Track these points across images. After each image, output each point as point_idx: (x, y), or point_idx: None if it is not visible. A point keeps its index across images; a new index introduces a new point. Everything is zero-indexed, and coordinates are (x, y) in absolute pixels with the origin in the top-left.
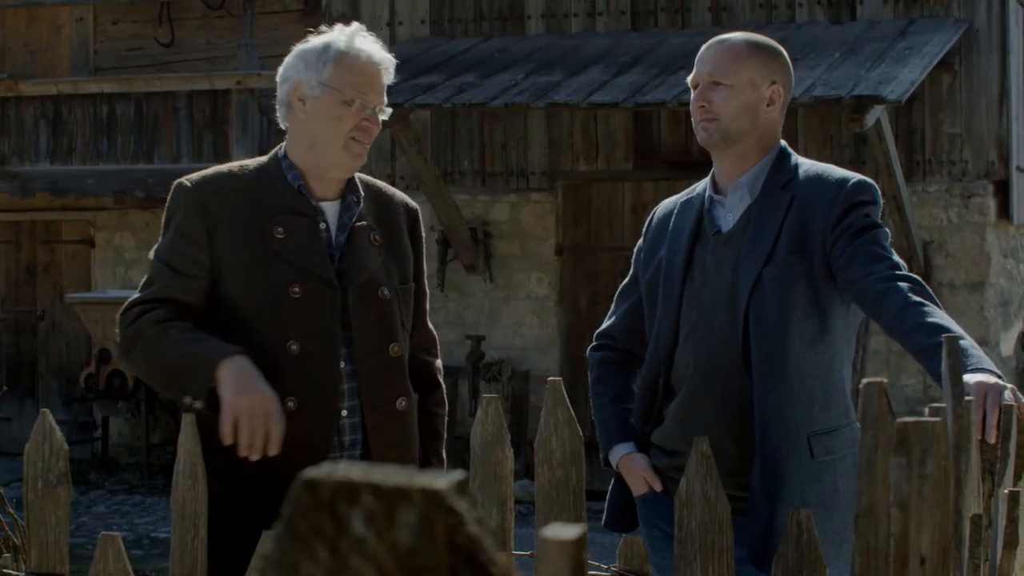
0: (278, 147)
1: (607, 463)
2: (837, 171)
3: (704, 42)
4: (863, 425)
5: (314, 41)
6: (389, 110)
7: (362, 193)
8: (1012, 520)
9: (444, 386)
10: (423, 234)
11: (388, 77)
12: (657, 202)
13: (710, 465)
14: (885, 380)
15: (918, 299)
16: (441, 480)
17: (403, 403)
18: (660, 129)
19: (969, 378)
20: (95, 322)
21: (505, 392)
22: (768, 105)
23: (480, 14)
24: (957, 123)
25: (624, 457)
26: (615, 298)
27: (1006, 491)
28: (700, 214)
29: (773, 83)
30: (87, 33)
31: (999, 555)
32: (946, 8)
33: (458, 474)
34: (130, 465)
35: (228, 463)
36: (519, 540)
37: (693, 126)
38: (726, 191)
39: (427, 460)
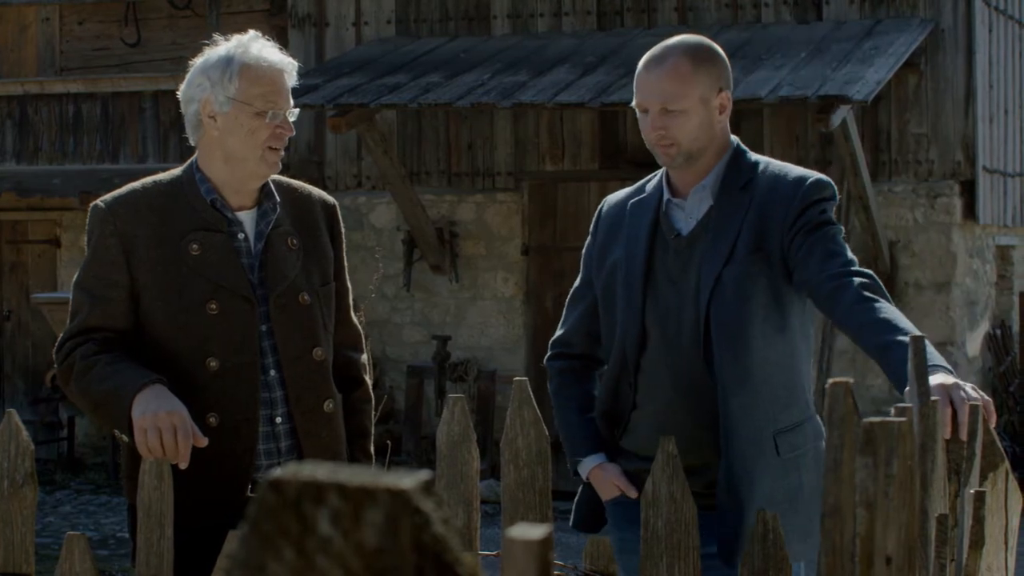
0: (192, 158)
1: (575, 473)
2: (796, 170)
3: None
4: (829, 425)
5: (213, 56)
6: (297, 111)
7: (277, 198)
8: (978, 520)
9: (369, 381)
10: (342, 228)
11: (292, 80)
12: None
13: (676, 466)
14: (851, 380)
15: (869, 295)
16: (407, 480)
17: (330, 405)
18: (626, 129)
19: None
20: (61, 323)
21: (471, 392)
22: (720, 114)
23: (446, 14)
24: (923, 123)
25: (596, 468)
26: (567, 304)
27: (972, 491)
28: (656, 216)
29: (720, 90)
30: (53, 33)
31: (965, 555)
32: (912, 8)
33: (424, 474)
34: (96, 465)
35: None
36: (485, 540)
37: (648, 147)
38: (684, 193)
39: (355, 459)
